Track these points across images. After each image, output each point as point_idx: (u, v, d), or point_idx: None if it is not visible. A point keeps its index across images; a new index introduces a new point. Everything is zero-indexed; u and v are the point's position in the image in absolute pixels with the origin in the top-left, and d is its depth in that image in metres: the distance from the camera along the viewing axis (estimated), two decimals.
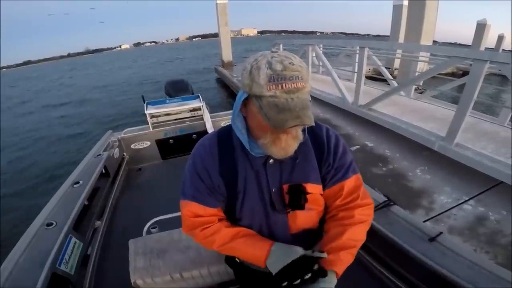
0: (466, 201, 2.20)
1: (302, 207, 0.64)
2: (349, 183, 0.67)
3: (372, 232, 1.12)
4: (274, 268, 0.59)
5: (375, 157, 3.07)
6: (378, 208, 1.27)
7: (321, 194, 0.68)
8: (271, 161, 0.64)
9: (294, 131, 0.57)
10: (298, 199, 0.64)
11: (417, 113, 3.63)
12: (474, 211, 2.11)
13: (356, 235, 0.66)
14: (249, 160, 0.64)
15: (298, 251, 0.60)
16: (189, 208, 0.66)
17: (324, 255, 0.60)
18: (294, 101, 0.51)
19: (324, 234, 0.70)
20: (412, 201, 2.27)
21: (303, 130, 0.66)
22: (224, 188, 0.66)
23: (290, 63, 0.51)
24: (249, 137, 0.62)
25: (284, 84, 0.50)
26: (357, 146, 3.36)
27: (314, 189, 0.66)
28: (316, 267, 0.57)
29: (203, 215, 0.66)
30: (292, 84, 0.50)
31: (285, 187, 0.65)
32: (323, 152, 0.67)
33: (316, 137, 0.68)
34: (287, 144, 0.57)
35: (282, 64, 0.50)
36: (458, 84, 3.99)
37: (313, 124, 0.52)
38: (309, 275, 0.57)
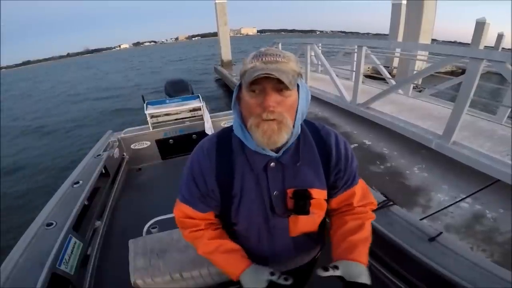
0: (463, 199, 2.22)
1: (307, 213, 0.63)
2: (358, 187, 0.71)
3: (372, 232, 1.14)
4: None
5: (373, 155, 3.09)
6: (377, 208, 1.28)
7: (325, 199, 0.68)
8: (272, 164, 0.62)
9: (276, 110, 0.53)
10: (303, 205, 0.63)
11: (415, 111, 3.65)
12: (471, 209, 2.12)
13: (370, 229, 0.70)
14: (249, 163, 0.63)
15: (264, 278, 0.62)
16: (181, 208, 0.69)
17: (288, 282, 0.62)
18: (268, 66, 0.53)
19: (335, 225, 0.72)
20: (409, 199, 2.29)
21: (304, 131, 0.66)
22: (218, 192, 0.65)
23: (274, 49, 0.57)
24: (244, 130, 0.61)
25: (263, 57, 0.54)
26: (355, 144, 3.37)
27: (318, 194, 0.65)
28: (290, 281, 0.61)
29: (193, 217, 0.69)
30: (272, 58, 0.54)
31: (289, 191, 0.63)
32: (330, 158, 0.66)
33: (323, 142, 0.67)
34: (270, 129, 0.54)
35: (266, 48, 0.57)
36: (455, 82, 4.00)
37: (281, 78, 0.50)
38: None
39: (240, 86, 0.59)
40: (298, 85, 0.58)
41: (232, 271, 0.66)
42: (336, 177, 0.67)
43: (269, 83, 0.52)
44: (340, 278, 0.61)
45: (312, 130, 0.68)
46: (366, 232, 0.68)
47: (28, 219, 1.41)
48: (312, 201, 0.63)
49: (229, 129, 0.68)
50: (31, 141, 7.41)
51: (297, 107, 0.58)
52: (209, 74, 15.24)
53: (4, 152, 6.48)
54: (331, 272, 0.60)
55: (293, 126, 0.58)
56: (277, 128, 0.54)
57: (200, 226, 0.70)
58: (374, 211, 0.74)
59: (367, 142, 3.41)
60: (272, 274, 0.62)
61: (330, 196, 0.71)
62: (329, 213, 0.76)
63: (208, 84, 12.87)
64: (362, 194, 0.72)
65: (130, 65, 30.71)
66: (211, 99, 8.62)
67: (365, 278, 0.60)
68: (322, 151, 0.66)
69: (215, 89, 11.72)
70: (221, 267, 0.69)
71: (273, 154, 0.61)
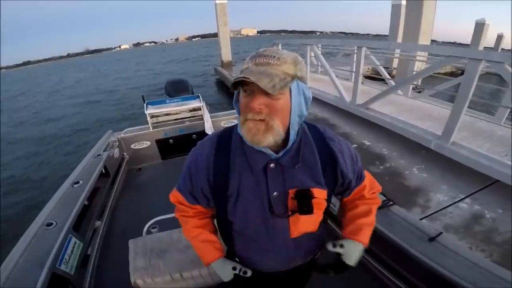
0: (462, 199, 2.22)
1: (311, 211, 0.63)
2: (367, 180, 0.77)
3: (372, 232, 1.14)
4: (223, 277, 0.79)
5: (373, 155, 3.09)
6: (377, 208, 1.28)
7: (324, 199, 0.68)
8: (272, 165, 0.62)
9: (263, 112, 0.54)
10: (306, 204, 0.63)
11: (414, 112, 3.66)
12: (470, 209, 2.13)
13: (375, 214, 0.79)
14: (249, 163, 0.63)
15: (229, 270, 0.75)
16: (175, 194, 0.77)
17: (247, 276, 0.73)
18: (258, 68, 0.53)
19: (347, 207, 0.80)
20: (408, 199, 2.30)
21: (306, 133, 0.66)
22: (209, 192, 0.68)
23: (272, 50, 0.56)
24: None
25: (257, 59, 0.54)
26: (355, 145, 3.38)
27: (319, 193, 0.65)
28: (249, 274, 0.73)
29: (183, 204, 0.77)
30: (264, 59, 0.54)
31: (291, 191, 0.64)
32: (335, 161, 0.67)
33: (326, 145, 0.67)
34: (255, 128, 0.54)
35: (264, 49, 0.57)
36: (455, 83, 4.01)
37: (259, 83, 0.49)
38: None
39: None
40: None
41: (204, 258, 0.79)
42: (345, 179, 0.69)
43: (257, 85, 0.51)
44: (338, 255, 0.71)
45: (314, 133, 0.68)
46: (372, 216, 0.77)
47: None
48: (313, 200, 0.64)
49: (230, 129, 0.69)
50: (27, 147, 7.23)
51: (291, 110, 0.57)
52: (207, 75, 15.26)
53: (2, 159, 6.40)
54: (337, 249, 0.70)
55: (289, 128, 0.58)
56: (263, 129, 0.54)
57: (188, 212, 0.77)
58: None
59: (367, 143, 3.42)
60: (234, 268, 0.74)
61: (343, 196, 0.79)
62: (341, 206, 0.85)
63: (209, 85, 12.85)
64: (370, 186, 0.78)
65: (130, 66, 30.95)
66: (211, 102, 8.54)
67: (354, 261, 0.71)
68: (323, 153, 0.66)
69: (215, 93, 11.61)
70: (196, 251, 0.80)
71: (273, 154, 0.61)
